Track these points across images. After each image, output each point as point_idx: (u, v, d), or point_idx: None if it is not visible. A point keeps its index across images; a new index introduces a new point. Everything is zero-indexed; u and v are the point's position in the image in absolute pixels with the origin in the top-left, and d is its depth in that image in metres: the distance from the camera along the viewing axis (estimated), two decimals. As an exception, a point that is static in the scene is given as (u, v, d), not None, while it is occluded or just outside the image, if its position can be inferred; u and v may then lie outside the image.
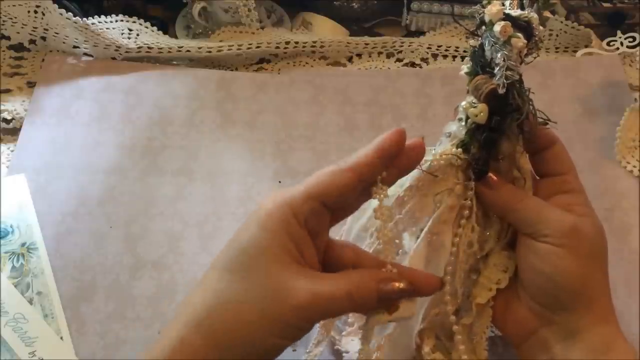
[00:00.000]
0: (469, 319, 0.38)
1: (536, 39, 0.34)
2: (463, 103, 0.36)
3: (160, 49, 0.62)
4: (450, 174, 0.37)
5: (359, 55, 0.67)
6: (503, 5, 0.34)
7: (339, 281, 0.31)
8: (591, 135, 0.57)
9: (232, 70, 0.65)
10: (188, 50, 0.63)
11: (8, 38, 0.62)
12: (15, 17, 0.60)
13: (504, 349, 0.44)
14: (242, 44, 0.63)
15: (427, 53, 0.66)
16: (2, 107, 0.58)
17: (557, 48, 0.66)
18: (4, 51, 0.63)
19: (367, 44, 0.66)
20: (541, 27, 0.34)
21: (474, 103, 0.35)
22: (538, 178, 0.39)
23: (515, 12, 0.33)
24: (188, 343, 0.31)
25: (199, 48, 0.63)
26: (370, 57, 0.66)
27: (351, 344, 0.42)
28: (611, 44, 0.63)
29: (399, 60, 0.66)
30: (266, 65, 0.66)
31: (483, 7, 0.34)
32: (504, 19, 0.33)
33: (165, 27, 0.69)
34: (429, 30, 0.69)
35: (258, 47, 0.64)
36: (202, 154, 0.56)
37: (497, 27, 0.33)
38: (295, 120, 0.59)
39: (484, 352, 0.39)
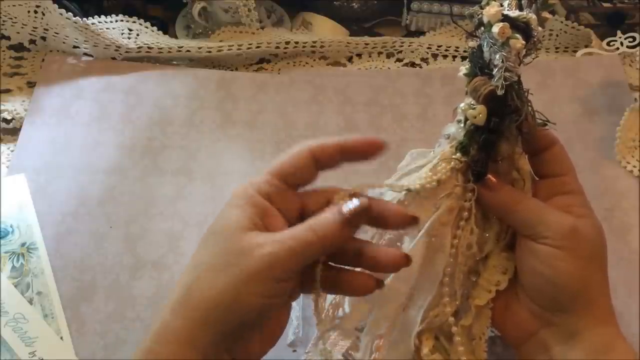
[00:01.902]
0: (467, 320, 0.38)
1: (535, 39, 0.34)
2: (462, 104, 0.36)
3: (160, 49, 0.62)
4: (450, 177, 0.36)
5: (359, 55, 0.67)
6: (502, 6, 0.34)
7: (300, 225, 0.32)
8: (591, 135, 0.57)
9: (232, 70, 0.65)
10: (188, 50, 0.63)
11: (8, 38, 0.62)
12: (15, 17, 0.60)
13: (504, 349, 0.44)
14: (242, 44, 0.63)
15: (427, 53, 0.66)
16: (2, 107, 0.59)
17: (557, 48, 0.66)
18: (4, 51, 0.63)
19: (367, 44, 0.66)
20: (540, 28, 0.34)
21: (472, 105, 0.34)
22: (537, 179, 0.39)
23: (514, 13, 0.33)
24: (170, 326, 0.31)
25: (199, 48, 0.63)
26: (370, 57, 0.66)
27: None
28: (611, 44, 0.63)
29: (399, 60, 0.66)
30: (266, 65, 0.66)
31: (481, 8, 0.34)
32: (502, 20, 0.33)
33: (165, 27, 0.69)
34: (429, 30, 0.69)
35: (258, 47, 0.64)
36: (202, 154, 0.56)
37: (496, 29, 0.32)
38: (295, 120, 0.59)
39: (483, 354, 0.39)
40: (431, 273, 0.37)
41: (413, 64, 0.66)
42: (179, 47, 0.63)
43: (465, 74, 0.36)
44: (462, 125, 0.36)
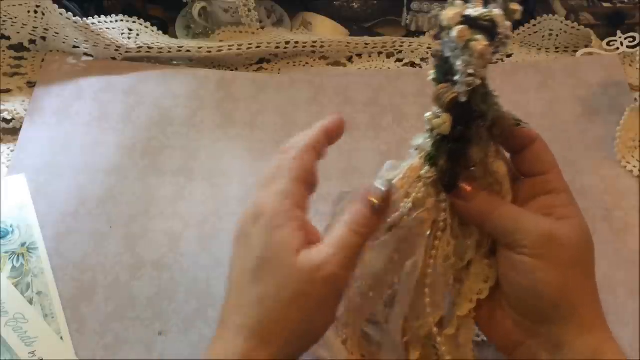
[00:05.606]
0: (451, 330, 0.37)
1: (502, 36, 0.31)
2: (428, 114, 0.34)
3: (160, 49, 0.62)
4: (420, 189, 0.35)
5: (359, 55, 0.67)
6: (467, 3, 0.31)
7: (339, 229, 0.33)
8: (591, 135, 0.57)
9: (232, 70, 0.65)
10: (188, 50, 0.63)
11: (8, 38, 0.62)
12: (15, 17, 0.60)
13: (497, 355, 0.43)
14: (242, 44, 0.63)
15: (427, 53, 0.66)
16: (2, 107, 0.58)
17: (557, 48, 0.66)
18: (4, 51, 0.63)
19: (367, 44, 0.66)
20: (508, 23, 0.31)
21: (438, 113, 0.33)
22: (523, 179, 0.37)
23: (476, 12, 0.31)
24: (252, 357, 0.31)
25: (199, 48, 0.63)
26: (370, 57, 0.66)
27: None
28: (611, 44, 0.63)
29: (399, 60, 0.66)
30: (266, 65, 0.66)
31: (443, 9, 0.32)
32: (463, 22, 0.30)
33: (165, 27, 0.69)
34: (429, 30, 0.68)
35: (258, 47, 0.64)
36: (202, 154, 0.56)
37: (454, 32, 0.30)
38: (295, 120, 0.59)
39: (471, 358, 0.38)
40: (403, 283, 0.36)
41: (413, 64, 0.66)
42: (179, 47, 0.63)
43: (433, 79, 0.34)
44: (429, 135, 0.35)
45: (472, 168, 0.35)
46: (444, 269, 0.36)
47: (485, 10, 0.31)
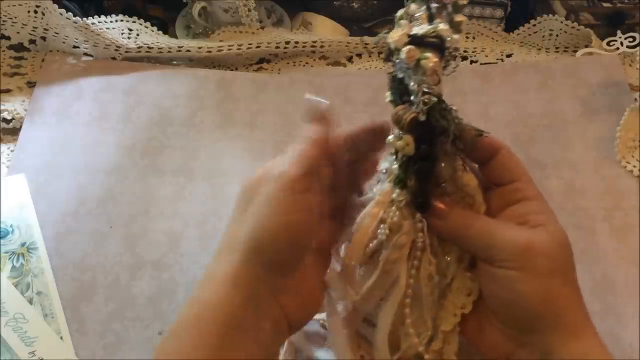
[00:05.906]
0: (437, 345, 0.37)
1: (451, 50, 0.31)
2: (390, 137, 0.34)
3: (160, 49, 0.62)
4: (394, 213, 0.35)
5: (359, 55, 0.67)
6: (412, 21, 0.32)
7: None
8: (591, 135, 0.57)
9: (232, 70, 0.65)
10: (188, 50, 0.63)
11: (8, 38, 0.62)
12: (15, 17, 0.60)
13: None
14: (242, 44, 0.64)
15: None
16: (2, 107, 0.59)
17: (557, 48, 0.66)
18: (4, 51, 0.63)
19: (367, 44, 0.66)
20: (455, 36, 0.31)
21: (400, 135, 0.33)
22: (495, 189, 0.37)
23: (422, 30, 0.31)
24: (214, 271, 0.33)
25: (199, 48, 0.63)
26: (370, 57, 0.67)
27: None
28: (611, 44, 0.63)
29: (399, 60, 0.66)
30: (266, 65, 0.66)
31: (390, 32, 0.32)
32: (409, 42, 0.30)
33: (165, 27, 0.69)
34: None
35: (258, 47, 0.64)
36: (202, 154, 0.56)
37: (403, 54, 0.30)
38: (295, 120, 0.59)
39: None
40: (390, 307, 0.36)
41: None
42: (179, 47, 0.63)
43: (390, 101, 0.34)
44: (395, 157, 0.35)
45: (443, 184, 0.35)
46: (429, 288, 0.36)
47: (430, 26, 0.31)
